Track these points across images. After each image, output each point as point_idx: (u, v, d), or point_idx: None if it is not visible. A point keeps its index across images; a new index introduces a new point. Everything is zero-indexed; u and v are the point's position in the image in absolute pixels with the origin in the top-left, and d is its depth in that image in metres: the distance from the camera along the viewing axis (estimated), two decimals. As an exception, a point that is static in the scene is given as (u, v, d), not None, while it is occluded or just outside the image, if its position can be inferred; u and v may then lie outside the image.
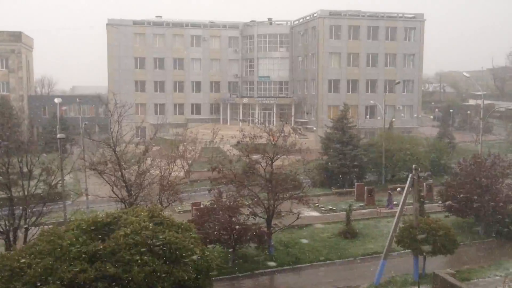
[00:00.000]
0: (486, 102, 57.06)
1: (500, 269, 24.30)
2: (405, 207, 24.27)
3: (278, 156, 27.66)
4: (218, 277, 22.80)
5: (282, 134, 28.92)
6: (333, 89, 69.23)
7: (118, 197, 25.58)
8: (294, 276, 25.32)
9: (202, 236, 21.51)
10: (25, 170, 23.34)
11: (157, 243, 15.70)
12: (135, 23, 76.06)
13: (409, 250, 23.90)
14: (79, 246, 15.49)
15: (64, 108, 68.83)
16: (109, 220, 16.91)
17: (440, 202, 32.13)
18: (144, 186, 26.23)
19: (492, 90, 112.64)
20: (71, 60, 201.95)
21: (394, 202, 35.61)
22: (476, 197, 29.02)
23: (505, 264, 25.17)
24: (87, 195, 33.09)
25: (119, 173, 25.47)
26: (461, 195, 29.47)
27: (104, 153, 27.22)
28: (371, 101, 66.23)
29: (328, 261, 26.90)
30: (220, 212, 25.14)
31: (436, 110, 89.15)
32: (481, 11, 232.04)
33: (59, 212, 29.22)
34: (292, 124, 70.46)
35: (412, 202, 23.99)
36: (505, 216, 29.41)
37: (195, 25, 78.72)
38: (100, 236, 16.33)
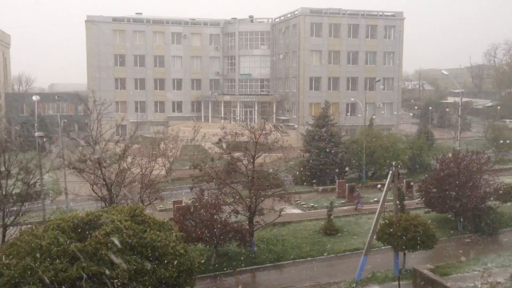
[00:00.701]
0: (464, 99, 58.04)
1: (478, 264, 24.75)
2: (385, 203, 24.54)
3: (260, 154, 27.68)
4: (201, 275, 22.76)
5: (264, 132, 28.94)
6: (314, 87, 69.54)
7: (98, 196, 25.29)
8: (276, 273, 25.40)
9: (184, 235, 21.38)
10: (2, 169, 22.91)
11: (139, 242, 15.56)
12: (114, 19, 75.18)
13: (390, 246, 24.16)
14: (59, 245, 15.27)
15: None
16: (89, 219, 16.68)
17: (419, 198, 32.54)
18: (124, 184, 25.98)
19: (470, 88, 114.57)
20: (49, 57, 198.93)
21: (376, 198, 35.95)
22: (454, 194, 29.47)
23: (483, 259, 25.65)
24: (66, 194, 32.65)
25: (99, 171, 25.18)
26: (440, 192, 29.90)
27: (84, 151, 26.87)
28: (352, 99, 66.72)
29: (309, 258, 27.05)
30: (202, 210, 25.05)
31: (416, 107, 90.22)
32: (459, 10, 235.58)
33: (38, 211, 28.78)
34: (274, 122, 70.59)
35: (392, 198, 24.26)
36: (482, 211, 29.96)
37: (175, 22, 78.19)
38: (80, 235, 16.12)
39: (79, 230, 16.30)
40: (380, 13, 71.39)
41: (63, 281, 14.42)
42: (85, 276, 14.58)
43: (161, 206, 35.69)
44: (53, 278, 14.36)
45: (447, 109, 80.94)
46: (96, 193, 25.31)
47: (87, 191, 26.13)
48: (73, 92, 72.76)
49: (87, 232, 16.16)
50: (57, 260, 14.85)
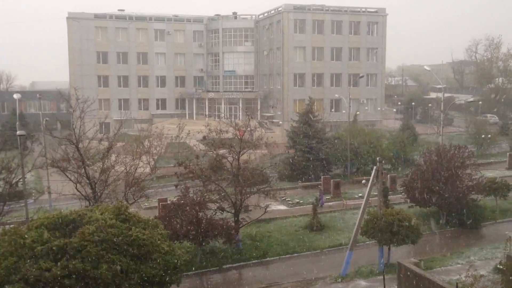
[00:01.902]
0: (446, 95, 58.68)
1: (461, 258, 25.09)
2: (370, 199, 24.71)
3: (245, 151, 27.66)
4: (186, 273, 22.69)
5: (248, 129, 28.92)
6: (298, 83, 69.71)
7: (82, 195, 25.05)
8: (262, 270, 25.44)
9: (170, 232, 21.29)
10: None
11: (124, 240, 15.46)
12: (96, 16, 74.40)
13: (374, 241, 24.36)
14: (43, 243, 15.09)
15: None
16: (73, 217, 16.52)
17: (403, 193, 32.85)
18: (109, 183, 25.77)
19: (451, 83, 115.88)
20: (30, 54, 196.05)
21: (361, 194, 36.17)
22: (437, 188, 29.82)
23: (466, 252, 26.01)
24: (49, 193, 32.28)
25: (83, 170, 24.93)
26: (424, 186, 30.21)
27: (67, 150, 26.58)
28: (336, 95, 67.02)
29: (295, 254, 27.14)
30: (187, 207, 24.95)
31: (399, 103, 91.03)
32: (440, 6, 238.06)
33: (20, 211, 28.40)
34: (258, 118, 70.60)
35: (376, 194, 24.46)
36: (465, 206, 30.36)
37: (159, 19, 77.66)
38: (64, 233, 15.94)
39: (63, 229, 16.13)
40: (363, 10, 71.80)
41: (47, 280, 14.26)
42: (70, 274, 14.44)
43: (146, 204, 35.47)
44: (37, 277, 14.19)
45: (429, 105, 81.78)
46: (79, 191, 25.06)
47: (70, 190, 25.86)
48: (55, 90, 71.88)
49: (72, 231, 16.00)
50: (41, 259, 14.67)
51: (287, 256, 26.92)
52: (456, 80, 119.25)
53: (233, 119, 39.23)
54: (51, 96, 71.73)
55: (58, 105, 73.72)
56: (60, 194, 26.43)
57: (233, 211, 26.92)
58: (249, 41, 77.88)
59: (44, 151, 30.82)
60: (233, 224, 26.36)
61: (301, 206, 35.89)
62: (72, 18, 72.68)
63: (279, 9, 69.70)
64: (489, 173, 41.00)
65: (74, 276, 14.52)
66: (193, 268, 24.47)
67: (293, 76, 69.26)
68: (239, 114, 72.65)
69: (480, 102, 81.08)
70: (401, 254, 25.44)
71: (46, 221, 16.23)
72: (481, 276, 19.07)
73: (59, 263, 14.58)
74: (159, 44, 77.48)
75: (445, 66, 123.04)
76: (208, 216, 25.22)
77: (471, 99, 66.62)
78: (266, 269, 25.52)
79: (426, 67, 46.61)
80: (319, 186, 38.30)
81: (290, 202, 36.99)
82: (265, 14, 74.93)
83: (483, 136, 54.08)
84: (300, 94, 67.83)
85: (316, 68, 70.01)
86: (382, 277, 21.29)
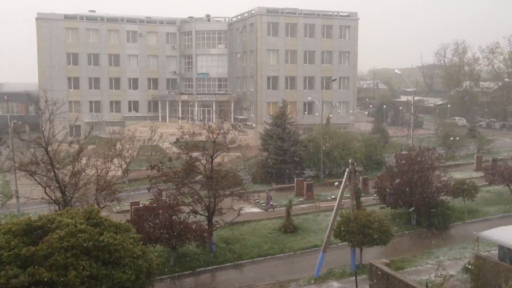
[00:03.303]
0: (416, 98, 60.01)
1: (431, 258, 25.58)
2: (342, 200, 24.97)
3: (218, 153, 27.59)
4: (160, 277, 22.47)
5: (222, 131, 28.85)
6: (271, 86, 69.91)
7: (52, 199, 24.51)
8: (236, 273, 25.39)
9: (142, 236, 21.03)
10: None
11: (95, 245, 15.20)
12: (66, 17, 73.10)
13: (347, 243, 24.61)
14: (10, 249, 14.71)
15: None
16: (42, 222, 16.15)
17: (375, 194, 33.29)
18: (79, 186, 25.30)
19: (421, 87, 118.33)
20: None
21: (334, 196, 36.46)
22: (408, 189, 30.34)
23: (436, 252, 26.54)
24: (17, 197, 31.50)
25: (52, 173, 24.41)
26: (394, 188, 30.70)
27: (35, 153, 25.99)
28: (309, 98, 67.51)
29: (269, 256, 27.19)
30: (160, 211, 24.72)
31: (370, 106, 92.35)
32: (411, 11, 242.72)
33: (-14, 216, 27.57)
34: (232, 121, 70.50)
35: (349, 195, 24.71)
36: (434, 207, 30.98)
37: (131, 21, 76.82)
38: (32, 239, 15.57)
39: (32, 234, 15.76)
40: (336, 14, 72.55)
41: (15, 287, 13.91)
42: (38, 282, 14.12)
43: (118, 207, 34.97)
44: (3, 284, 13.82)
45: (400, 108, 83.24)
46: (49, 195, 24.52)
47: (39, 194, 25.31)
48: (23, 91, 70.25)
49: (40, 236, 15.64)
50: (8, 266, 14.30)
51: (261, 258, 26.95)
52: (426, 83, 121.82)
53: (206, 122, 39.11)
54: (19, 98, 69.93)
55: (27, 107, 72.03)
56: (28, 199, 25.85)
57: (206, 214, 26.81)
58: (223, 44, 77.76)
59: (12, 154, 30.07)
60: (206, 227, 26.24)
61: (275, 209, 35.95)
62: (42, 19, 71.24)
63: (252, 12, 69.85)
64: (458, 175, 41.94)
65: (41, 283, 14.20)
66: (166, 272, 24.24)
67: (267, 79, 69.44)
68: (213, 117, 72.42)
69: (449, 105, 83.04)
70: (373, 255, 25.77)
71: (14, 226, 15.83)
72: (450, 276, 19.50)
73: (26, 271, 14.24)
74: (131, 45, 76.60)
75: (415, 70, 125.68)
76: (181, 219, 25.05)
77: (440, 102, 68.21)
78: (240, 272, 25.48)
79: (396, 71, 47.48)
80: (266, 191, 38.13)
81: (264, 204, 37.03)
82: (239, 17, 74.95)
83: (451, 138, 55.28)
84: (274, 97, 68.03)
85: (289, 71, 70.38)
86: (354, 278, 21.52)
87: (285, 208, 31.71)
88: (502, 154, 55.51)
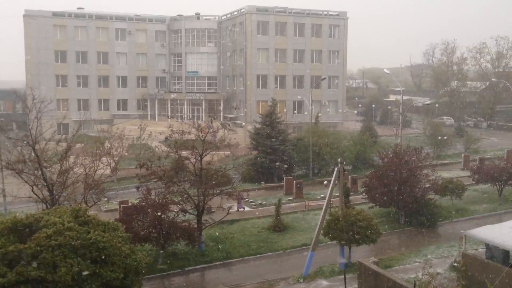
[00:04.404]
0: (405, 97, 60.42)
1: (419, 256, 25.77)
2: (332, 199, 25.06)
3: (207, 152, 27.53)
4: (148, 276, 22.39)
5: (211, 130, 28.79)
6: (261, 85, 69.96)
7: (39, 198, 24.31)
8: (225, 271, 25.38)
9: (131, 235, 20.96)
10: None
11: (83, 243, 15.09)
12: (54, 14, 72.47)
13: (335, 241, 24.70)
14: (-4, 249, 14.57)
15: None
16: (29, 221, 16.01)
17: (364, 194, 33.45)
18: (67, 185, 25.12)
19: (410, 86, 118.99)
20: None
21: (323, 195, 36.53)
22: (396, 188, 30.52)
23: (424, 250, 26.73)
24: (4, 196, 31.20)
25: (39, 172, 24.20)
26: (383, 187, 30.86)
27: (23, 151, 25.75)
28: (299, 97, 67.65)
29: (258, 255, 27.19)
30: (149, 209, 24.62)
31: (360, 105, 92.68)
32: (400, 11, 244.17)
33: (-28, 215, 27.24)
34: (221, 120, 70.44)
35: (338, 194, 24.80)
36: (422, 205, 31.20)
37: (119, 18, 76.35)
38: (20, 238, 15.43)
39: (19, 233, 15.61)
40: (325, 13, 72.78)
41: (3, 286, 13.79)
42: (26, 280, 14.00)
43: (106, 206, 34.79)
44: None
45: (389, 107, 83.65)
46: (36, 194, 24.33)
47: (26, 192, 25.08)
48: (10, 89, 69.49)
49: (28, 235, 15.50)
50: (-5, 265, 14.16)
51: (250, 257, 26.95)
52: (414, 83, 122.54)
53: (195, 120, 38.95)
54: (6, 96, 69.23)
55: (14, 105, 71.28)
56: (15, 197, 25.63)
57: (195, 212, 26.74)
58: (212, 42, 77.62)
59: (-1, 153, 29.79)
60: (195, 226, 26.19)
61: (264, 207, 36.00)
62: (29, 16, 70.59)
63: (242, 10, 69.80)
64: (445, 174, 42.29)
65: (29, 282, 14.07)
66: (155, 271, 24.16)
67: (256, 78, 69.47)
68: (202, 115, 72.30)
69: (437, 105, 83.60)
70: (361, 253, 25.89)
71: (1, 225, 15.67)
72: (438, 274, 19.64)
73: (13, 270, 14.11)
74: (120, 43, 76.16)
75: (404, 69, 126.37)
76: (170, 218, 24.97)
77: (428, 102, 68.67)
78: (229, 270, 25.47)
79: (385, 70, 47.65)
80: (238, 191, 37.22)
81: (253, 203, 37.06)
82: (228, 15, 74.86)
83: (439, 137, 55.69)
84: (263, 96, 68.08)
85: (279, 69, 70.47)
86: (343, 276, 21.61)
87: (274, 207, 31.74)
88: (489, 153, 56.07)
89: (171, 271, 24.80)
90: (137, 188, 26.90)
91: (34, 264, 14.32)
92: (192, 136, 28.35)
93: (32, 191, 24.41)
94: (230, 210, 28.37)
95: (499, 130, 78.58)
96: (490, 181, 36.00)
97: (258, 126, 47.04)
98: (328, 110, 72.92)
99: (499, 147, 61.31)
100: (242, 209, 34.90)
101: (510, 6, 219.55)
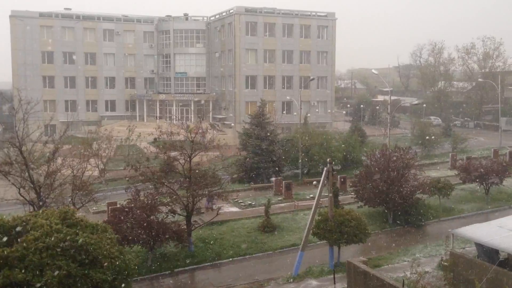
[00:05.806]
0: (393, 97, 60.79)
1: (407, 255, 25.94)
2: (321, 199, 25.12)
3: (196, 153, 27.47)
4: (137, 278, 22.26)
5: (200, 131, 28.74)
6: (250, 85, 69.99)
7: (26, 200, 24.08)
8: (215, 272, 25.35)
9: (120, 237, 20.86)
10: None
11: (71, 246, 14.96)
12: (41, 15, 71.85)
13: (325, 241, 24.78)
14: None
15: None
16: (16, 223, 15.82)
17: (353, 193, 33.58)
18: (54, 187, 24.91)
19: (398, 87, 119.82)
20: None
21: (312, 195, 36.63)
22: (384, 188, 30.70)
23: (412, 249, 26.92)
24: (-10, 198, 30.81)
25: (26, 174, 23.97)
26: (372, 187, 31.02)
27: (9, 153, 25.49)
28: (288, 97, 67.77)
29: (248, 256, 27.19)
30: (138, 211, 24.50)
31: (348, 105, 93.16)
32: (388, 12, 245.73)
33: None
34: (210, 121, 70.34)
35: (327, 194, 24.88)
36: (411, 205, 31.42)
37: (107, 19, 75.91)
38: (7, 241, 15.25)
39: (5, 236, 15.42)
40: (314, 13, 73.00)
41: (-12, 290, 13.63)
42: (12, 284, 13.84)
43: (94, 208, 34.54)
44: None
45: (377, 107, 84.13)
46: (23, 196, 24.09)
47: (13, 194, 24.83)
48: (-4, 90, 68.75)
49: (14, 238, 15.32)
50: (-19, 269, 13.98)
51: (240, 258, 26.94)
52: (402, 83, 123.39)
53: (184, 121, 38.90)
54: (-8, 97, 68.57)
55: (0, 106, 70.57)
56: (2, 199, 25.34)
57: (185, 213, 26.67)
58: (201, 43, 77.47)
59: (-15, 155, 29.42)
60: (185, 227, 26.12)
61: (253, 208, 36.00)
62: (16, 16, 69.93)
63: (231, 11, 69.77)
64: (433, 173, 42.62)
65: (16, 285, 13.91)
66: (144, 273, 24.06)
67: (245, 78, 69.47)
68: (191, 116, 72.13)
69: (424, 105, 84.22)
70: (351, 253, 26.03)
71: (-14, 228, 15.48)
72: (426, 272, 19.80)
73: (0, 273, 13.94)
74: (107, 44, 75.71)
75: (392, 70, 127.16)
76: (159, 219, 24.88)
77: (416, 102, 69.14)
78: (218, 271, 25.44)
79: (374, 71, 47.98)
80: (207, 192, 36.20)
81: (242, 204, 37.03)
82: (217, 16, 74.78)
83: (427, 137, 56.10)
84: (252, 96, 68.09)
85: (268, 70, 70.54)
86: (332, 276, 21.69)
87: (263, 207, 31.75)
88: (476, 152, 56.62)
89: (161, 273, 24.69)
90: (126, 189, 26.76)
91: (20, 268, 14.15)
92: (181, 137, 28.27)
93: (19, 193, 24.18)
94: (222, 211, 28.30)
95: (486, 130, 79.40)
96: (477, 180, 36.35)
97: (247, 126, 47.03)
98: (317, 110, 73.12)
99: (486, 146, 61.98)
100: (210, 208, 31.63)
101: (499, 8, 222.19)
